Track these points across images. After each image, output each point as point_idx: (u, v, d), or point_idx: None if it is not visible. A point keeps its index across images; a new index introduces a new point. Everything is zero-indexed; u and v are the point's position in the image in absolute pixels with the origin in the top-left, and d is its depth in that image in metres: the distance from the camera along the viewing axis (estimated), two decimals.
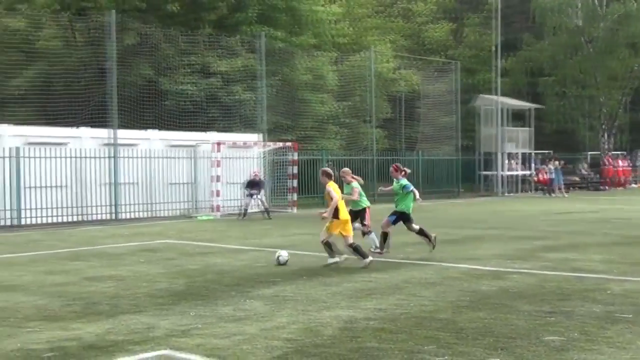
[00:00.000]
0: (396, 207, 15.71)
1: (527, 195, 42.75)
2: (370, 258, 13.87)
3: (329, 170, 14.41)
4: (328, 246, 13.74)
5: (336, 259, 13.59)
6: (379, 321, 8.93)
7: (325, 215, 13.71)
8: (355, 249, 13.80)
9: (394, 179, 15.94)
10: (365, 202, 16.40)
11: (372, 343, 7.88)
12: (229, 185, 29.22)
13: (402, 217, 15.58)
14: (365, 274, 12.70)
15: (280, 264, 13.92)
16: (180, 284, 11.80)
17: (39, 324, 8.91)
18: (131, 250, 16.70)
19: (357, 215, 16.33)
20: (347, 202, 15.18)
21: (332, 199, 13.65)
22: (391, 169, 16.29)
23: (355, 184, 16.32)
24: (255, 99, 32.67)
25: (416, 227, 15.66)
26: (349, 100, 38.86)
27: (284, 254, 14.10)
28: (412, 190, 15.56)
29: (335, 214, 13.65)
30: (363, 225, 16.45)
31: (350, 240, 13.82)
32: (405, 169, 16.31)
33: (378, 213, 17.60)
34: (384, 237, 15.50)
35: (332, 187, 13.84)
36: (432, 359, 7.28)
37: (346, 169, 17.13)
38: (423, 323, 8.80)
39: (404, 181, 15.67)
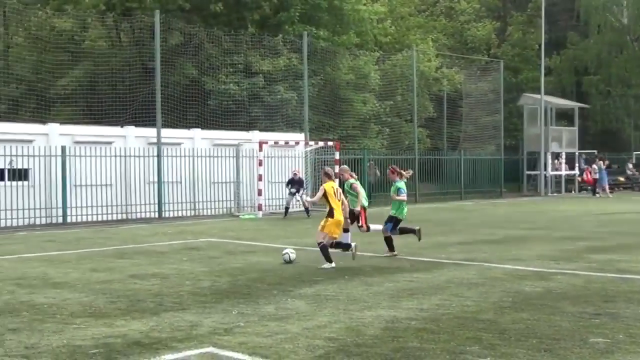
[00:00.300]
0: (391, 210, 15.52)
1: (572, 195, 42.31)
2: (332, 264, 13.66)
3: (329, 171, 14.59)
4: (332, 247, 13.86)
5: (332, 265, 13.49)
6: (420, 321, 8.92)
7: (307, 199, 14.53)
8: (324, 248, 13.81)
9: (392, 182, 15.64)
10: (362, 202, 16.10)
11: (414, 343, 7.88)
12: (272, 184, 29.35)
13: (397, 222, 15.38)
14: (407, 274, 12.69)
15: (288, 261, 14.17)
16: (223, 283, 11.89)
17: (85, 321, 9.04)
18: (175, 249, 16.86)
19: (354, 213, 16.07)
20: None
21: (324, 196, 13.94)
22: (388, 171, 16.03)
23: (353, 180, 16.24)
24: (298, 98, 32.76)
25: (396, 231, 15.47)
26: (391, 100, 38.79)
27: (288, 253, 14.37)
28: (403, 196, 15.26)
29: (331, 213, 13.83)
30: (359, 227, 16.17)
31: (324, 240, 13.85)
32: (404, 171, 16.00)
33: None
34: (389, 241, 15.27)
35: (325, 187, 14.05)
36: None
37: (344, 167, 17.20)
38: (465, 323, 8.77)
39: (399, 184, 15.40)
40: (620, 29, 49.85)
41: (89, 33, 33.84)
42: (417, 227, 15.79)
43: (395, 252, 15.08)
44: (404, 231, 15.67)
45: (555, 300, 10.17)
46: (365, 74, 36.86)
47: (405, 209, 15.52)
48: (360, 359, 7.30)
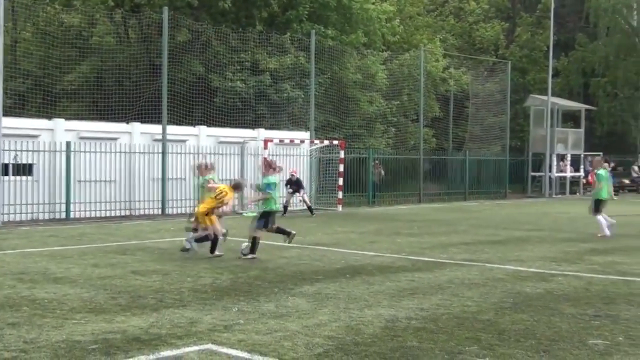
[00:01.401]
0: (260, 206, 15.09)
1: (576, 197, 42.22)
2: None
3: (239, 182, 15.74)
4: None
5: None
6: (420, 321, 8.93)
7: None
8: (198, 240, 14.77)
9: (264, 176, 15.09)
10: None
11: (412, 342, 7.89)
12: None
13: (268, 216, 14.85)
14: (408, 273, 12.70)
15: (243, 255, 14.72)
16: (224, 280, 11.91)
17: (85, 316, 9.06)
18: (177, 245, 16.82)
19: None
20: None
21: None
22: (261, 164, 15.57)
23: (210, 176, 16.09)
24: (304, 96, 32.76)
25: (271, 228, 15.02)
26: (398, 99, 38.77)
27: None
28: (270, 192, 14.70)
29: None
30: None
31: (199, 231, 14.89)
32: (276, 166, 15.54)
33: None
34: (255, 241, 14.65)
35: (222, 186, 15.47)
36: None
37: (202, 162, 17.13)
38: (465, 324, 8.78)
39: (272, 178, 14.85)
40: (629, 31, 49.67)
41: (97, 29, 33.85)
42: (294, 232, 15.36)
43: (256, 256, 14.47)
44: (280, 231, 15.28)
45: (556, 302, 10.17)
46: (372, 74, 36.84)
47: (277, 203, 15.09)
48: (358, 358, 7.31)
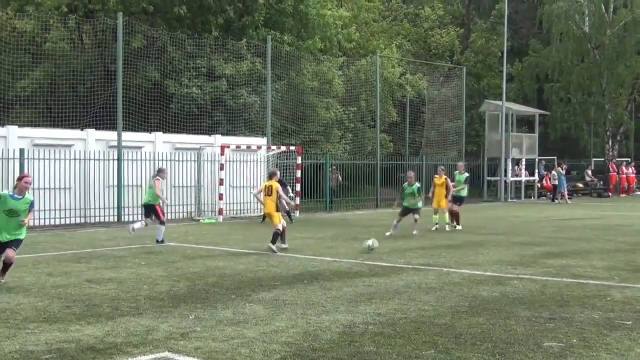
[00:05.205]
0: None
1: (531, 201, 42.69)
2: None
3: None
4: None
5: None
6: (378, 326, 8.94)
7: None
8: None
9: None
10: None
11: (370, 348, 7.90)
12: (233, 189, 29.25)
13: None
14: (366, 278, 12.72)
15: (370, 249, 16.44)
16: (181, 287, 11.82)
17: (39, 326, 8.93)
18: (133, 253, 16.72)
19: None
20: None
21: None
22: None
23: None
24: (261, 102, 32.70)
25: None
26: (355, 105, 38.89)
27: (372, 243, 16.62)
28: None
29: None
30: None
31: None
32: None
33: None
34: None
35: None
36: None
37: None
38: (422, 328, 8.81)
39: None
40: (581, 37, 50.42)
41: (51, 35, 33.42)
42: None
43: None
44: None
45: (512, 305, 10.25)
46: (329, 80, 36.90)
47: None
48: None
